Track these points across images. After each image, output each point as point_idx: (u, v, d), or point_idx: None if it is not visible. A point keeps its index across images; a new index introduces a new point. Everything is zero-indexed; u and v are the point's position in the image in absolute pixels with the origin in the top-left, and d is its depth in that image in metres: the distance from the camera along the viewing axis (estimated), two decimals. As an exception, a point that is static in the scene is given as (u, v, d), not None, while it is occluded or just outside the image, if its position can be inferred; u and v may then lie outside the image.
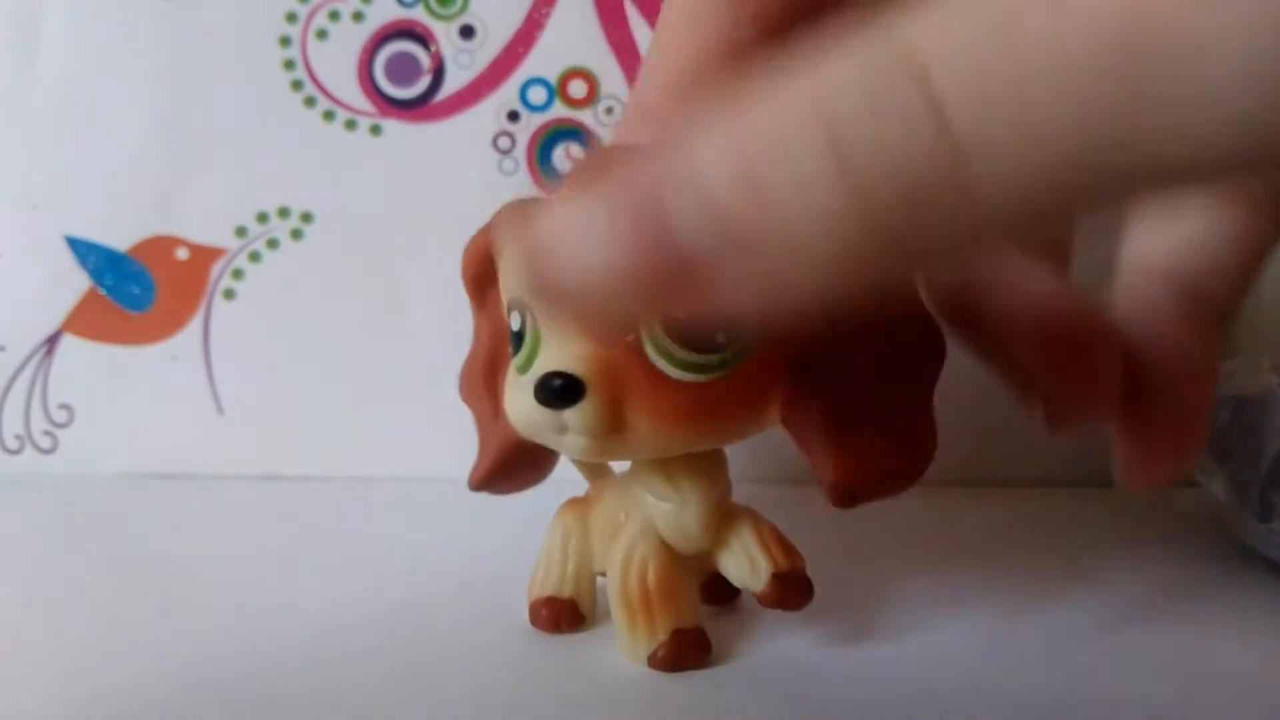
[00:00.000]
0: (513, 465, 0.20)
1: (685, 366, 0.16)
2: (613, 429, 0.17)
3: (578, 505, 0.21)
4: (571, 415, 0.17)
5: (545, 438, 0.18)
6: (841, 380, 0.17)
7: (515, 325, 0.18)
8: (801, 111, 0.11)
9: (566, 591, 0.21)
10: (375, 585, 0.24)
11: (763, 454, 0.23)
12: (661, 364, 0.16)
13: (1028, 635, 0.21)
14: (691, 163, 0.11)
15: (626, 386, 0.17)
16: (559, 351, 0.17)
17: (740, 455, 0.19)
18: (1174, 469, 0.18)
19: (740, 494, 0.20)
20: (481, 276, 0.19)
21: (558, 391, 0.16)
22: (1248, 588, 0.23)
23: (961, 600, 0.22)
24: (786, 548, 0.19)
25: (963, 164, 0.10)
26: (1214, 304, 0.18)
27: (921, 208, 0.10)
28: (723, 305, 0.12)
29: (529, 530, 0.21)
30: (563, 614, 0.21)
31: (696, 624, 0.19)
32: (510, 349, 0.18)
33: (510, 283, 0.18)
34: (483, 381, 0.19)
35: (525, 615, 0.21)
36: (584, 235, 0.12)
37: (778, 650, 0.20)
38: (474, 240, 0.19)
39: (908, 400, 0.18)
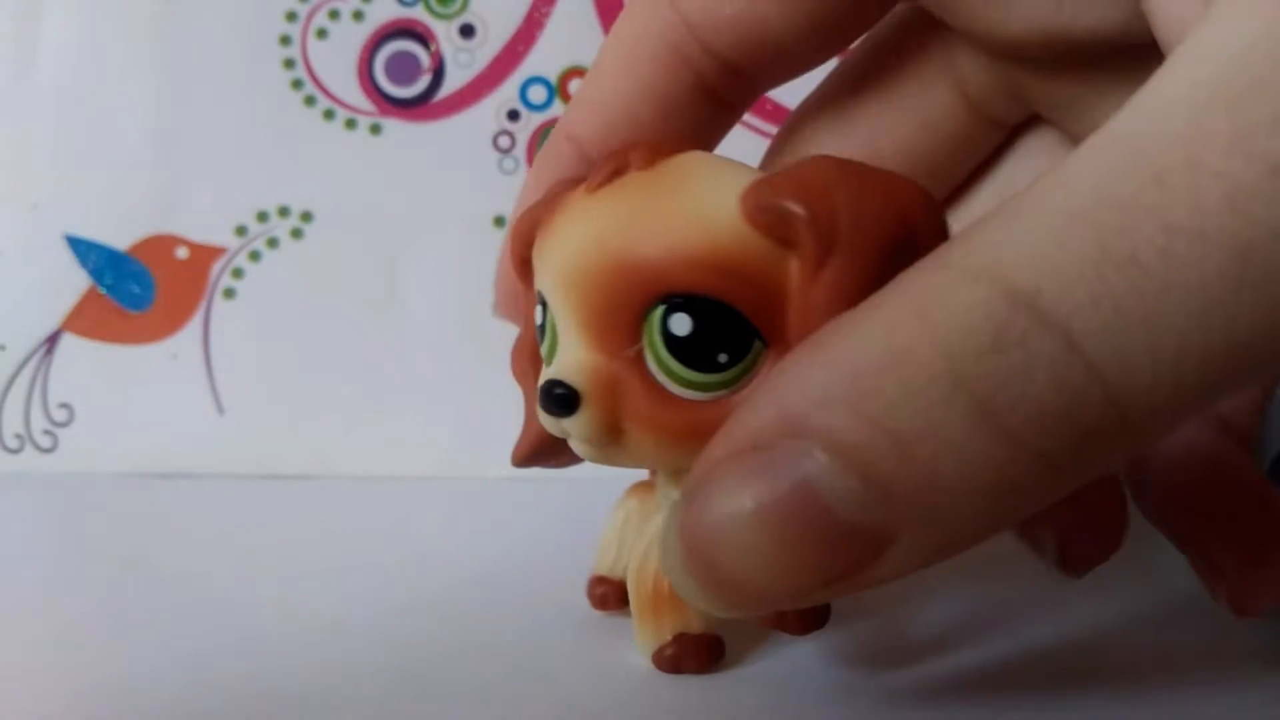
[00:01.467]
0: (550, 447, 0.19)
1: (685, 384, 0.16)
2: (610, 440, 0.16)
3: (641, 489, 0.21)
4: (570, 424, 0.16)
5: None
6: None
7: (539, 319, 0.18)
8: (933, 372, 0.11)
9: (619, 574, 0.21)
10: (375, 585, 0.24)
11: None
12: (662, 379, 0.16)
13: (1033, 639, 0.21)
14: (832, 445, 0.11)
15: (625, 399, 0.16)
16: (564, 357, 0.17)
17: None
18: (1110, 549, 0.18)
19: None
20: (527, 258, 0.18)
21: (556, 400, 0.16)
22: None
23: (971, 606, 0.22)
24: None
25: (1112, 395, 0.10)
26: (1242, 434, 0.19)
27: (1082, 442, 0.11)
28: (898, 571, 0.12)
29: (530, 529, 0.21)
30: (610, 595, 0.21)
31: (705, 630, 0.19)
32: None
33: (540, 274, 0.18)
34: (529, 361, 0.19)
35: (525, 614, 0.21)
36: (747, 535, 0.12)
37: (791, 657, 0.19)
38: (521, 219, 0.18)
39: None
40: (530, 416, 0.20)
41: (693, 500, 0.13)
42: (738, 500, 0.12)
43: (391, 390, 0.34)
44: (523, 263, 0.19)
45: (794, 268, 0.15)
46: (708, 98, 0.20)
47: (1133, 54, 0.16)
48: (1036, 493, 0.11)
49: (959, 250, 0.12)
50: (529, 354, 0.19)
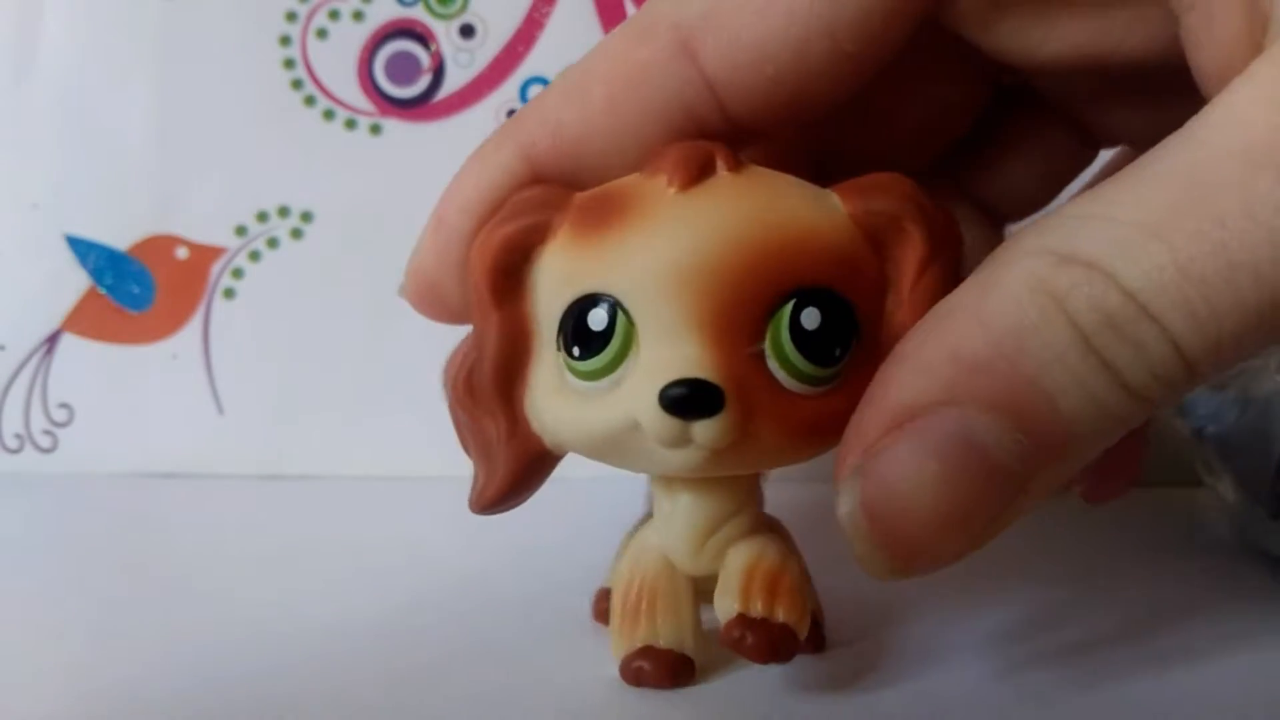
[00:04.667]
0: (527, 482, 0.18)
1: (804, 379, 0.16)
2: (737, 441, 0.16)
3: None
4: (705, 427, 0.15)
5: (630, 453, 0.16)
6: None
7: (599, 324, 0.16)
8: (1069, 338, 0.13)
9: None
10: (375, 585, 0.24)
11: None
12: (781, 375, 0.16)
13: (1035, 640, 0.21)
14: (992, 404, 0.13)
15: (752, 398, 0.16)
16: (671, 357, 0.16)
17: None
18: (1129, 484, 0.20)
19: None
20: (511, 269, 0.17)
21: (695, 403, 0.15)
22: (1260, 586, 0.23)
23: (974, 607, 0.22)
24: (776, 592, 0.17)
25: (1189, 363, 0.13)
26: None
27: (1167, 394, 0.13)
28: (1027, 509, 0.14)
29: (529, 530, 0.21)
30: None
31: (675, 646, 0.18)
32: (570, 352, 0.16)
33: (605, 276, 0.16)
34: (495, 390, 0.17)
35: (524, 615, 0.21)
36: (931, 496, 0.13)
37: (783, 679, 0.19)
38: (497, 232, 0.17)
39: None
40: (493, 456, 0.18)
41: (869, 476, 0.14)
42: (921, 466, 0.13)
43: (391, 390, 0.34)
44: (504, 275, 0.17)
45: (887, 267, 0.16)
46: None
47: (1154, 67, 0.16)
48: (1124, 431, 0.14)
49: (1057, 239, 0.13)
50: (494, 382, 0.17)
